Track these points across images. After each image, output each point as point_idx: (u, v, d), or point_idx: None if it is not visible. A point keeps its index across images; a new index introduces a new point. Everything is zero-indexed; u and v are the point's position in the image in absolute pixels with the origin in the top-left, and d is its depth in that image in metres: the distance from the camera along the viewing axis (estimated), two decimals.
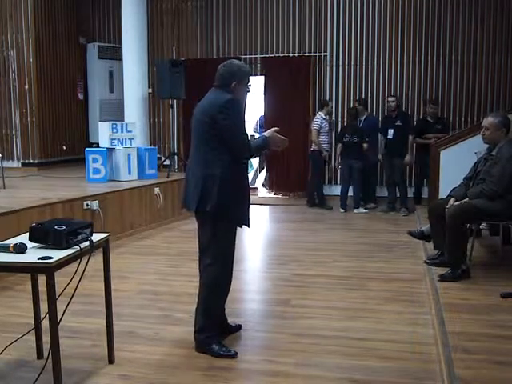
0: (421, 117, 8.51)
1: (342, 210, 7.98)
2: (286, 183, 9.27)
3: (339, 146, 8.16)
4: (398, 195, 7.92)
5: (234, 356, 3.07)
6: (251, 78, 3.27)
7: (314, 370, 2.92)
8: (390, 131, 7.68)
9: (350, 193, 8.07)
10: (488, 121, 4.29)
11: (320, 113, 8.28)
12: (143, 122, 8.31)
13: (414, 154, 8.09)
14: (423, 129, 7.89)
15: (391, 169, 7.86)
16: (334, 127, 8.89)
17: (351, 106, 8.94)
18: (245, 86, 3.12)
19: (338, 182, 8.89)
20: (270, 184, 9.40)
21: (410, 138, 7.79)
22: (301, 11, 9.22)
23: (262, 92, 9.30)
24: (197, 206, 3.04)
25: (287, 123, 9.10)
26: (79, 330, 3.45)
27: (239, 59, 9.20)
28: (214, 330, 3.13)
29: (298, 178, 9.15)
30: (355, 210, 7.94)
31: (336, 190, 8.70)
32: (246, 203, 3.16)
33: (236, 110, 2.99)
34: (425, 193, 8.20)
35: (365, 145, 7.97)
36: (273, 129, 3.15)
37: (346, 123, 8.48)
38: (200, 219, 3.15)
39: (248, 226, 3.18)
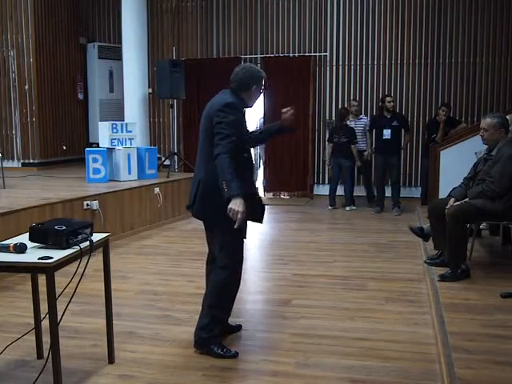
0: (432, 117, 8.48)
1: (329, 207, 8.14)
2: (287, 183, 9.28)
3: (329, 145, 8.24)
4: (390, 195, 7.98)
5: (235, 356, 3.07)
6: None
7: (314, 369, 2.92)
8: (387, 131, 7.68)
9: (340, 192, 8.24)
10: (486, 122, 4.28)
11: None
12: (143, 122, 8.32)
13: (420, 155, 8.29)
14: (432, 129, 7.90)
15: (386, 168, 7.87)
16: (330, 126, 8.90)
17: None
18: (260, 89, 3.16)
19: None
20: (270, 184, 9.42)
21: (407, 136, 7.97)
22: (301, 11, 9.22)
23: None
24: (191, 209, 3.09)
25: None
26: (79, 330, 3.45)
27: (239, 59, 9.23)
28: (216, 330, 3.13)
29: (298, 178, 9.16)
30: (347, 208, 8.06)
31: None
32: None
33: (233, 114, 2.96)
34: None
35: (352, 146, 8.02)
36: (240, 209, 2.82)
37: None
38: (204, 224, 3.17)
39: (244, 237, 3.16)
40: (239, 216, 2.81)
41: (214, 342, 3.09)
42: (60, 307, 2.48)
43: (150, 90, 9.00)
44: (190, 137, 9.46)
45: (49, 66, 9.22)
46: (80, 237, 2.63)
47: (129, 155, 7.11)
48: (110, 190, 6.27)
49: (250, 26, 9.48)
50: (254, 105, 3.24)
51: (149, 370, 2.92)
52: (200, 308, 3.19)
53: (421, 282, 4.47)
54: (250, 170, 3.23)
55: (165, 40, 9.86)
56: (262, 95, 3.29)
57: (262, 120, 9.62)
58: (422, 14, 8.76)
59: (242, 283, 3.24)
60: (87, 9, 10.14)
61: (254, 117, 11.05)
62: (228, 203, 2.82)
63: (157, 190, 6.96)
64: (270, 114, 9.25)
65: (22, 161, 9.23)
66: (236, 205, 2.80)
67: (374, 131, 8.03)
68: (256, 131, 3.45)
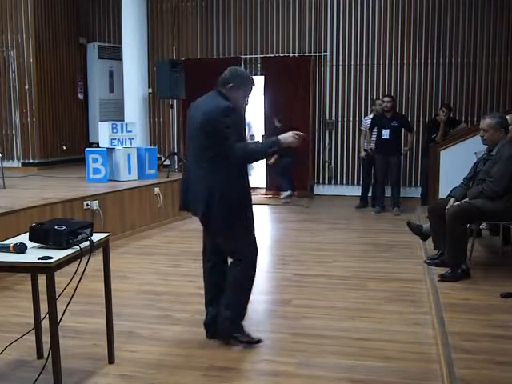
0: (432, 117, 8.46)
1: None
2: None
3: None
4: (389, 195, 7.97)
5: (259, 342, 3.17)
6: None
7: (314, 369, 2.92)
8: (386, 131, 7.68)
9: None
10: (486, 122, 4.28)
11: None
12: (143, 122, 8.31)
13: (420, 155, 8.38)
14: (432, 129, 7.90)
15: (385, 168, 7.86)
16: (332, 127, 8.89)
17: (351, 105, 8.98)
18: (243, 93, 3.12)
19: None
20: (269, 185, 9.41)
21: (410, 136, 8.05)
22: (301, 11, 9.22)
23: (262, 92, 9.29)
24: (203, 215, 3.06)
25: (287, 123, 9.10)
26: (79, 330, 3.45)
27: (239, 59, 9.24)
28: (241, 320, 3.22)
29: (298, 178, 9.16)
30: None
31: (331, 190, 8.80)
32: (250, 208, 3.21)
33: (234, 117, 2.99)
34: None
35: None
36: (290, 133, 3.08)
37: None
38: (210, 226, 3.17)
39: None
40: (296, 137, 3.04)
41: (241, 330, 3.18)
42: (60, 307, 2.47)
43: (150, 90, 9.00)
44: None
45: (49, 66, 9.22)
46: (80, 237, 2.62)
47: (129, 155, 7.11)
48: (110, 190, 6.27)
49: (250, 26, 9.47)
50: (242, 110, 3.24)
51: (149, 370, 2.92)
52: (200, 308, 3.19)
53: (421, 282, 4.46)
54: (247, 179, 3.24)
55: (165, 40, 9.86)
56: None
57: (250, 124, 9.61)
58: (422, 13, 8.76)
59: None
60: (87, 9, 10.13)
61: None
62: (279, 147, 3.06)
63: (157, 190, 6.96)
64: (270, 115, 9.25)
65: (22, 161, 9.22)
66: (285, 138, 3.02)
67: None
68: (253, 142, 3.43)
